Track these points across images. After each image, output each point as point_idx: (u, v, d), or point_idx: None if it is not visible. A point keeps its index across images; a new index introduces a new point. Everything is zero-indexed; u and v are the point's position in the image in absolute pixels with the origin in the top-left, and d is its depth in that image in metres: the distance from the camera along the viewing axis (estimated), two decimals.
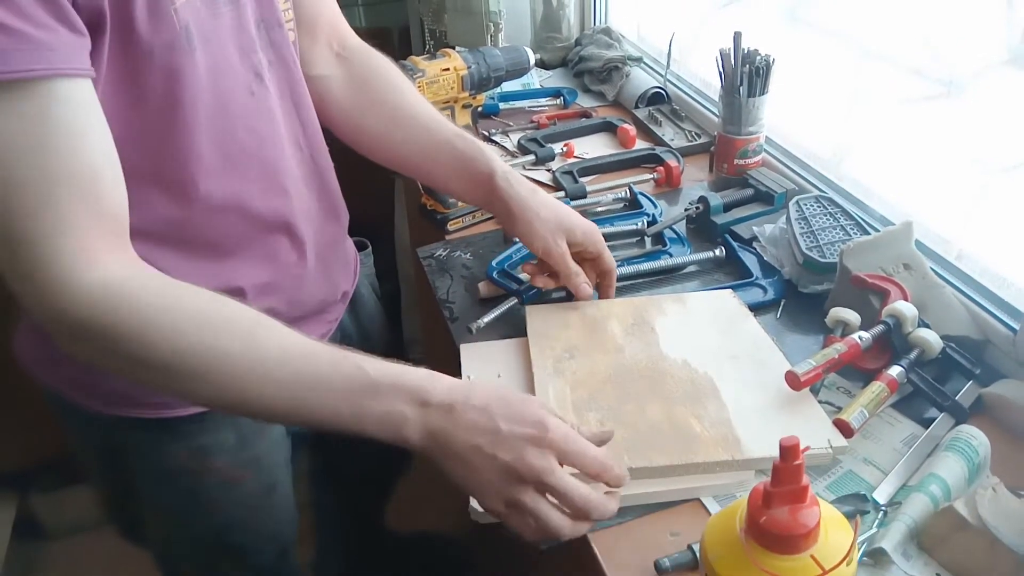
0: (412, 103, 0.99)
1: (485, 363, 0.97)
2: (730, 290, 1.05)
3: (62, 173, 0.60)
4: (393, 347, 1.24)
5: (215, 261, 0.81)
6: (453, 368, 0.94)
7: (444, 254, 1.21)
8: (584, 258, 0.99)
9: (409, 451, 0.70)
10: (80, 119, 0.61)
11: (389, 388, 0.67)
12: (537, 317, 1.01)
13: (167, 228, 0.76)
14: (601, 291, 1.03)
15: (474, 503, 0.75)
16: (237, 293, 0.81)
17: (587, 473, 0.70)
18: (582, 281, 0.98)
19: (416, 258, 1.24)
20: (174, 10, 0.67)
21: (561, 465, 0.69)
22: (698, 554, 0.71)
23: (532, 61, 1.23)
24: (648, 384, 0.88)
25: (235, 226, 0.81)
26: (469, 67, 1.15)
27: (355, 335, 1.10)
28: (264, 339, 0.67)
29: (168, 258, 0.75)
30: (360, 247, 1.14)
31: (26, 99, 0.57)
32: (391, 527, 1.59)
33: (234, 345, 0.65)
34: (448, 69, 1.13)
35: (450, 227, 1.24)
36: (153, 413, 0.83)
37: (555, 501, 0.68)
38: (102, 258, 0.63)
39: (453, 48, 1.15)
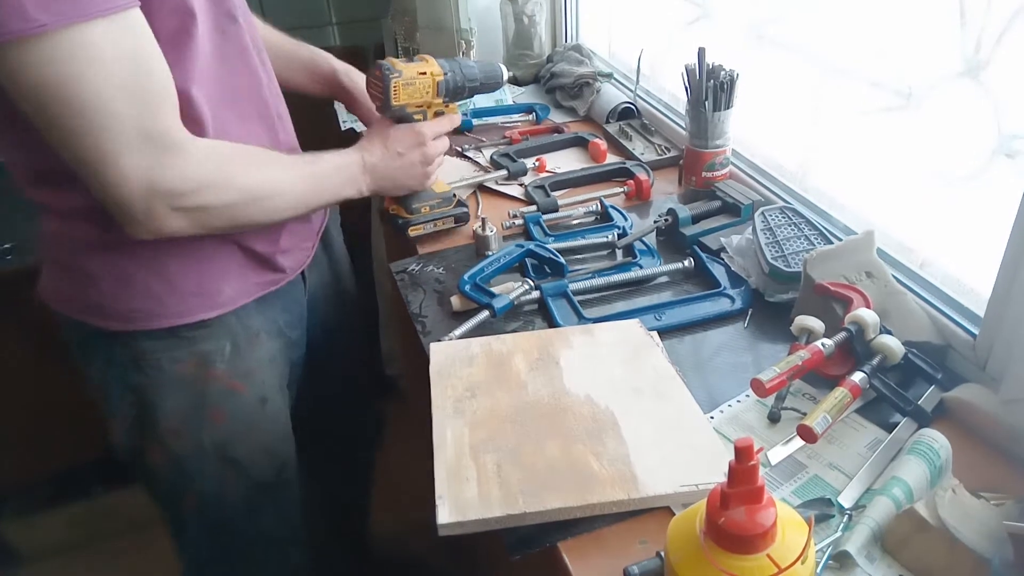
0: (267, 34, 1.16)
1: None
2: (637, 320, 1.05)
3: (162, 77, 0.81)
4: (359, 280, 1.39)
5: None
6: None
7: (417, 269, 1.22)
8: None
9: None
10: (151, 38, 0.80)
11: (336, 167, 1.05)
12: (440, 355, 0.99)
13: None
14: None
15: (441, 518, 0.76)
16: None
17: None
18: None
19: (391, 273, 1.25)
20: None
21: None
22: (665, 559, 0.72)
23: (505, 76, 1.25)
24: (549, 422, 0.87)
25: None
26: (445, 74, 1.17)
27: (327, 267, 1.25)
28: (291, 162, 0.99)
29: None
30: None
31: (121, 27, 0.76)
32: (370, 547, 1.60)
33: (280, 169, 0.97)
34: (425, 73, 1.15)
35: (411, 233, 1.26)
36: (163, 323, 0.96)
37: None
38: (188, 132, 0.86)
39: (430, 56, 1.17)
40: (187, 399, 1.00)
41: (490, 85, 1.24)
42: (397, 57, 1.17)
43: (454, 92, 1.18)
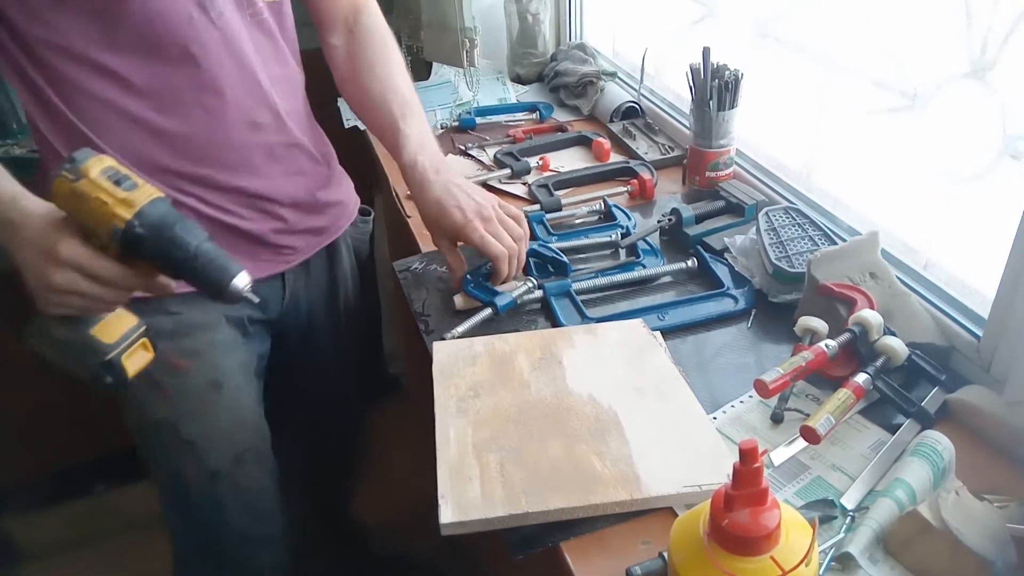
0: (381, 80, 1.16)
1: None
2: (641, 319, 1.04)
3: None
4: (367, 317, 1.39)
5: None
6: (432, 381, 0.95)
7: (420, 267, 1.22)
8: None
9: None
10: None
11: None
12: (443, 354, 0.98)
13: None
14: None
15: (444, 518, 0.76)
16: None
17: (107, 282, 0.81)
18: (490, 242, 1.07)
19: (394, 273, 1.25)
20: None
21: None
22: (668, 559, 0.72)
23: (242, 286, 0.83)
24: (552, 422, 0.87)
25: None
26: (130, 221, 0.82)
27: (325, 281, 1.25)
28: None
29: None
30: (363, 212, 1.30)
31: None
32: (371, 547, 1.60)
33: None
34: (106, 203, 0.81)
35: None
36: None
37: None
38: None
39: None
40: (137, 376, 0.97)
41: (206, 279, 0.82)
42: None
43: (134, 244, 0.80)
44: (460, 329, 1.04)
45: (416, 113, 1.16)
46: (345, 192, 1.25)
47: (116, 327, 0.85)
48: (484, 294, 1.09)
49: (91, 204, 0.78)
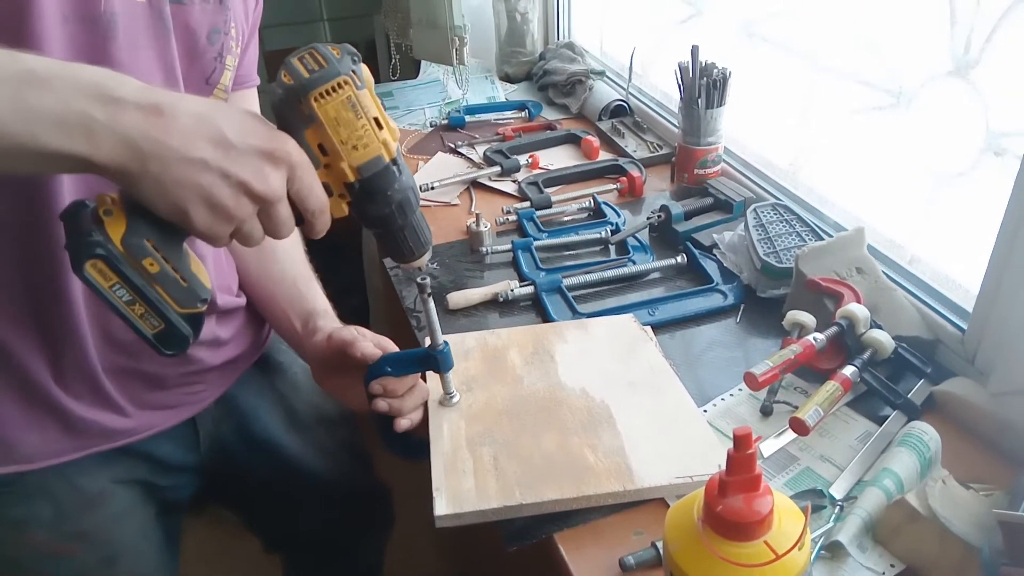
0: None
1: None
2: (631, 314, 1.05)
3: None
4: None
5: None
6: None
7: None
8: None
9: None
10: None
11: (59, 78, 0.51)
12: None
13: None
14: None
15: (438, 510, 0.76)
16: None
17: (307, 208, 0.61)
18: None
19: (384, 269, 1.25)
20: None
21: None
22: (661, 549, 0.73)
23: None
24: (545, 415, 0.88)
25: None
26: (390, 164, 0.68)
27: (270, 395, 1.02)
28: None
29: None
30: None
31: None
32: None
33: None
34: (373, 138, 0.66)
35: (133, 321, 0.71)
36: None
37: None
38: None
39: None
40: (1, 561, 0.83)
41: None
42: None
43: (371, 191, 0.65)
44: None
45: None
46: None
47: (203, 273, 0.64)
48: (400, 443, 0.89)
49: (358, 125, 0.60)
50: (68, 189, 0.69)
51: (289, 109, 0.60)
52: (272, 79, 0.62)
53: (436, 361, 0.84)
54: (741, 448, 0.53)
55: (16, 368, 0.75)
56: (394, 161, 0.64)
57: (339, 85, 0.59)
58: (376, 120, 0.61)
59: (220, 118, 0.55)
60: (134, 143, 0.51)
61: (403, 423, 0.83)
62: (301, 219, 0.62)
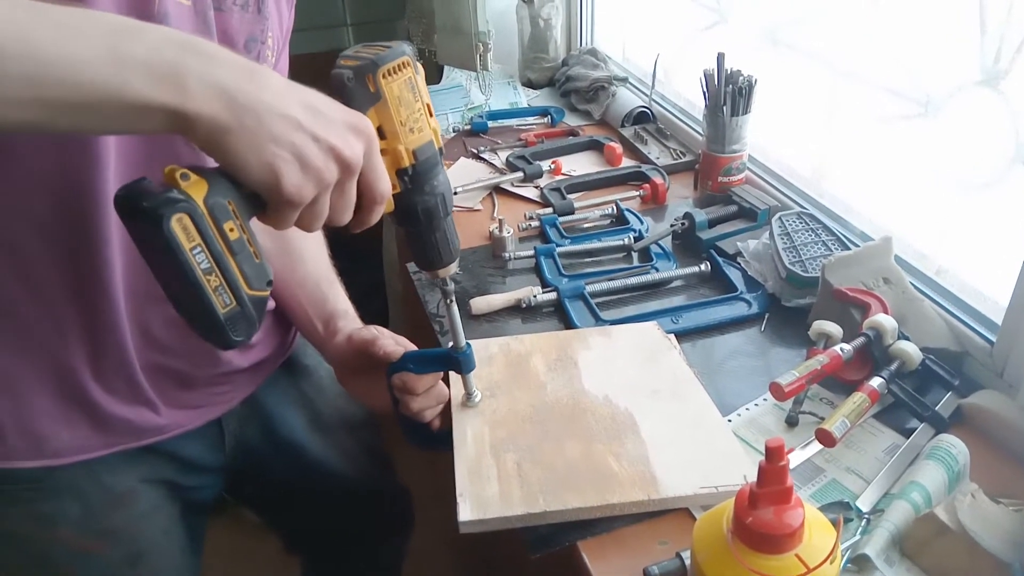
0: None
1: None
2: (655, 322, 1.05)
3: None
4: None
5: None
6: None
7: None
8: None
9: None
10: None
11: (153, 30, 0.52)
12: None
13: None
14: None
15: (462, 516, 0.76)
16: None
17: (375, 191, 0.60)
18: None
19: (405, 273, 1.26)
20: None
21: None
22: (686, 561, 0.72)
23: None
24: (568, 422, 0.88)
25: None
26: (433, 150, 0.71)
27: (295, 397, 1.03)
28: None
29: None
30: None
31: None
32: None
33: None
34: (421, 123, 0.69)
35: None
36: None
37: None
38: None
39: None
40: (29, 558, 0.84)
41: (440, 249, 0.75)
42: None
43: (412, 177, 0.67)
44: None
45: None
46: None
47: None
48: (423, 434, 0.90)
49: (415, 108, 0.63)
50: (113, 187, 0.69)
51: (357, 86, 0.61)
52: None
53: (458, 362, 0.84)
54: (773, 460, 0.53)
55: (54, 362, 0.76)
56: (440, 150, 0.66)
57: (403, 65, 0.61)
58: (428, 106, 0.64)
59: (305, 88, 0.56)
60: (229, 94, 0.51)
61: (426, 414, 0.85)
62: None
